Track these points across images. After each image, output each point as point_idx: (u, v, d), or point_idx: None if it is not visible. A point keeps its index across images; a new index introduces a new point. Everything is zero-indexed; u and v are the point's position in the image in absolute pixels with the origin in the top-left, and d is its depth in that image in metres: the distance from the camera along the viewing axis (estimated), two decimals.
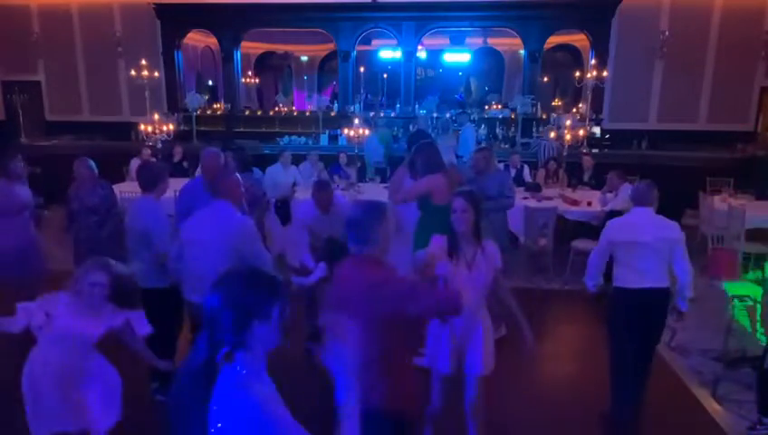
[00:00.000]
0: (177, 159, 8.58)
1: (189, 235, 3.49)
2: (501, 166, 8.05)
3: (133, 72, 10.50)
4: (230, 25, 11.43)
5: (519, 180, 8.03)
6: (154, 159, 8.40)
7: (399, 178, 4.72)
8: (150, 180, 3.85)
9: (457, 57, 14.47)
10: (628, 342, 3.60)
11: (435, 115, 11.17)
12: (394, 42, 11.70)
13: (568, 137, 8.57)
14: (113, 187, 5.23)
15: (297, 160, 8.00)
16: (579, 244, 6.44)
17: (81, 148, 10.03)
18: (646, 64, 10.88)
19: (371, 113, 11.52)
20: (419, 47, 11.61)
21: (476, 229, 2.91)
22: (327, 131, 10.79)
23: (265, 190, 5.47)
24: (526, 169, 8.33)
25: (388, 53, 13.21)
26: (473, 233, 2.91)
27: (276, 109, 12.77)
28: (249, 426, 1.45)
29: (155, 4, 11.09)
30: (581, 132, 9.52)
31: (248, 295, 1.54)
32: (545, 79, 12.46)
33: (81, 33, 11.81)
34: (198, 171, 7.66)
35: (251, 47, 14.08)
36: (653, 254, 3.50)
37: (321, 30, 11.74)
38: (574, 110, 11.54)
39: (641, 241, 3.50)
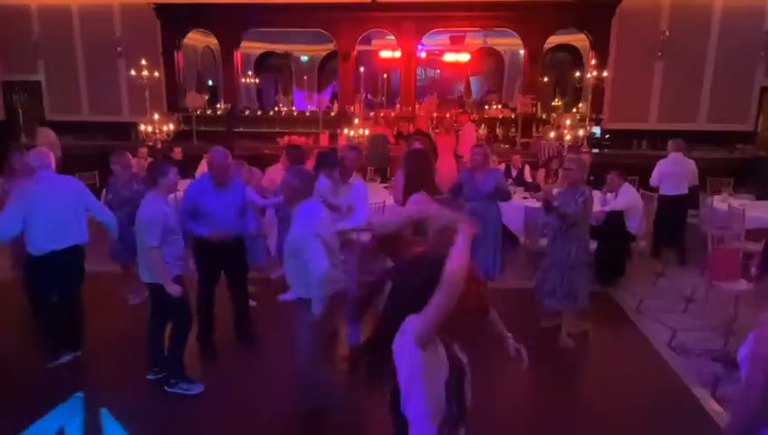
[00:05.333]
0: (177, 158, 8.57)
1: None
2: (502, 166, 8.08)
3: (133, 72, 10.50)
4: (230, 25, 11.42)
5: (520, 180, 8.03)
6: (152, 159, 8.42)
7: (398, 180, 4.81)
8: (150, 176, 3.92)
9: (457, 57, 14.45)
10: (666, 224, 7.01)
11: (434, 115, 11.18)
12: (394, 42, 11.69)
13: (568, 137, 8.57)
14: None
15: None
16: None
17: (82, 148, 10.09)
18: (646, 64, 10.88)
19: (371, 113, 11.52)
20: (419, 47, 11.61)
21: None
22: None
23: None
24: (527, 169, 8.34)
25: (388, 53, 13.20)
26: None
27: (276, 109, 12.77)
28: None
29: (155, 4, 11.09)
30: (581, 132, 9.52)
31: None
32: (545, 79, 12.46)
33: (81, 33, 11.80)
34: (199, 171, 7.72)
35: (251, 47, 14.08)
36: (683, 177, 7.00)
37: (321, 30, 11.74)
38: (574, 110, 11.54)
39: (678, 171, 6.99)
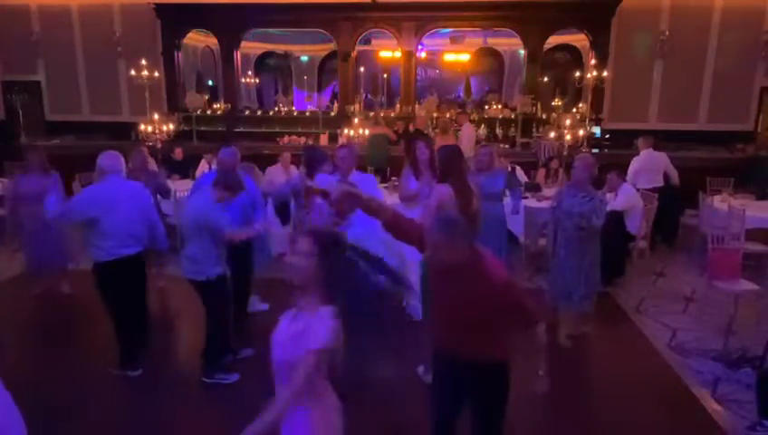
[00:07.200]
0: (177, 158, 8.64)
1: None
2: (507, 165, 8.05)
3: (133, 72, 10.48)
4: (230, 25, 11.41)
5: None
6: (151, 159, 8.43)
7: (406, 178, 4.86)
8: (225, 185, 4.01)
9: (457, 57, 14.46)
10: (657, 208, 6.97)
11: (434, 115, 11.17)
12: (394, 42, 11.69)
13: (568, 137, 8.56)
14: None
15: (297, 161, 7.97)
16: None
17: (82, 148, 10.08)
18: (646, 64, 10.88)
19: (371, 113, 11.52)
20: (419, 47, 11.60)
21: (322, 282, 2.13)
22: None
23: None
24: (518, 171, 8.29)
25: (388, 53, 13.20)
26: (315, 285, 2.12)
27: (276, 109, 12.77)
28: None
29: (155, 4, 11.08)
30: (581, 132, 9.51)
31: None
32: (545, 79, 12.46)
33: (81, 33, 11.79)
34: (199, 170, 7.73)
35: (251, 47, 14.08)
36: (659, 170, 7.44)
37: (321, 30, 11.73)
38: (574, 110, 11.54)
39: (651, 167, 7.44)
